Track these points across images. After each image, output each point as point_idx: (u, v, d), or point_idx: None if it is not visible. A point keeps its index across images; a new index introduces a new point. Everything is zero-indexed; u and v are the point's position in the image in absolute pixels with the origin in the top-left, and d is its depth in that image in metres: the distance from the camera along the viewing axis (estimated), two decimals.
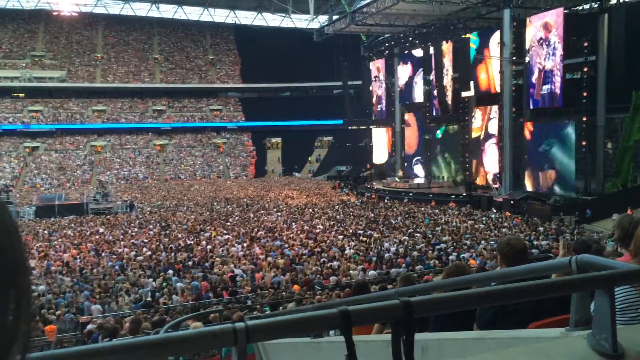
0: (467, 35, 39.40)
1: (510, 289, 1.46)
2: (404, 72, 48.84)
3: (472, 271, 4.20)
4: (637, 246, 2.30)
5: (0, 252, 0.51)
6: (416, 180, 44.94)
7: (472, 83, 39.30)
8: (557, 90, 31.68)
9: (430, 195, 38.23)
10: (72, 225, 31.83)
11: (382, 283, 12.59)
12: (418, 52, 45.98)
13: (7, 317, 0.50)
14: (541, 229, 24.17)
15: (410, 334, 1.24)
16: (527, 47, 33.77)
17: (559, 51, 31.42)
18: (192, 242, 23.62)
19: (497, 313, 2.63)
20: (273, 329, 1.16)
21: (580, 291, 1.57)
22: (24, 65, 66.71)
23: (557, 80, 31.57)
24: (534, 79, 33.59)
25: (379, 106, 53.49)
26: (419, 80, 46.46)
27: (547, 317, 2.26)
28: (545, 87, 32.55)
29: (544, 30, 32.25)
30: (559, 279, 1.70)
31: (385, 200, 38.64)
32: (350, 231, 24.93)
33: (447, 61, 41.27)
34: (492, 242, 18.94)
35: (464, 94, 40.30)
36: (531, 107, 34.39)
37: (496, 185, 35.83)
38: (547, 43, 32.27)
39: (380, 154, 53.26)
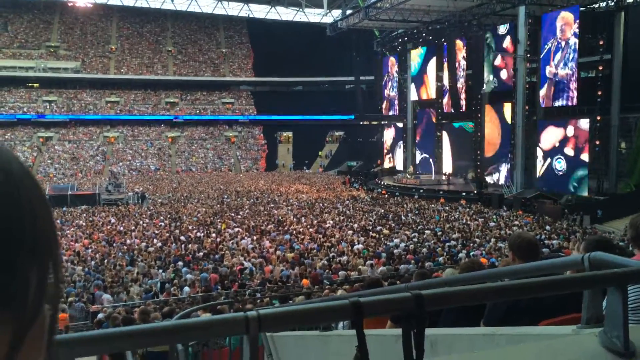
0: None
1: (522, 284, 1.45)
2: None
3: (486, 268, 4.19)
4: None
5: (23, 223, 0.49)
6: (433, 177, 44.77)
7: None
8: (573, 102, 31.49)
9: (441, 192, 38.11)
10: (84, 215, 32.09)
11: (391, 279, 12.58)
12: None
13: (28, 293, 0.49)
14: (548, 227, 24.06)
15: (421, 327, 1.24)
16: (542, 48, 33.54)
17: (575, 56, 31.11)
18: (202, 234, 23.73)
19: (507, 310, 2.62)
20: (285, 318, 1.16)
21: (592, 288, 1.57)
22: (38, 55, 67.17)
23: (573, 88, 31.29)
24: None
25: (391, 111, 53.19)
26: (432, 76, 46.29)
27: (558, 314, 2.26)
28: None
29: (561, 32, 31.90)
30: (571, 275, 1.70)
31: (396, 197, 38.57)
32: (359, 226, 24.91)
33: (461, 58, 41.07)
34: (500, 244, 18.78)
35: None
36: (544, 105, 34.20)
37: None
38: (561, 47, 31.96)
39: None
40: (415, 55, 48.56)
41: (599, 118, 31.32)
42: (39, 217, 0.51)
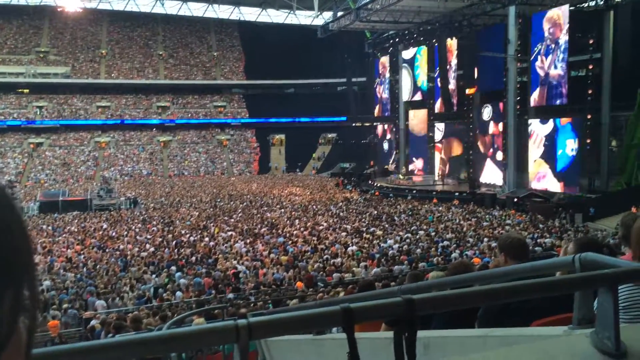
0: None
1: (513, 286, 1.46)
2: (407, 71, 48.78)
3: (476, 269, 4.21)
4: (635, 248, 2.30)
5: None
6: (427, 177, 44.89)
7: None
8: (564, 101, 31.74)
9: (434, 193, 38.19)
10: (76, 221, 31.92)
11: (385, 280, 12.59)
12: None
13: (2, 312, 0.50)
14: (541, 226, 24.18)
15: (413, 332, 1.23)
16: (532, 48, 33.69)
17: (566, 56, 31.29)
18: (195, 238, 23.66)
19: (500, 311, 2.63)
20: (275, 326, 1.16)
21: (583, 289, 1.57)
22: (28, 61, 66.85)
23: (564, 88, 31.49)
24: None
25: (385, 113, 53.15)
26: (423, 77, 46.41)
27: (551, 314, 2.26)
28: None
29: (552, 32, 32.04)
30: (562, 277, 1.70)
31: (389, 198, 38.62)
32: (353, 228, 24.90)
33: (452, 58, 41.20)
34: (493, 244, 18.83)
35: (469, 90, 40.27)
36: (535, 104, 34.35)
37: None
38: (552, 48, 32.10)
39: None
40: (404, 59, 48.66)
41: (589, 116, 31.50)
42: (15, 238, 0.52)
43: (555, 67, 32.02)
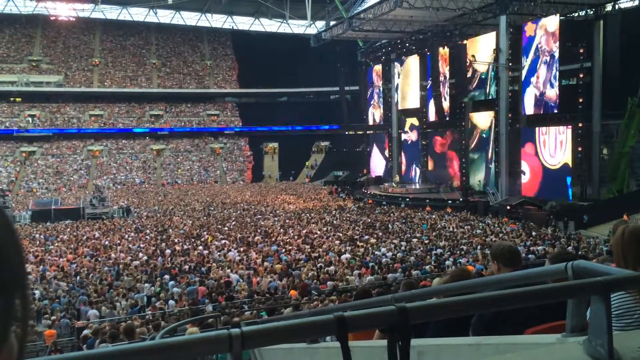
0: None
1: (506, 294, 1.46)
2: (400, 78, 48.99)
3: (474, 277, 4.21)
4: (618, 257, 2.32)
5: None
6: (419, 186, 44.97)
7: None
8: (555, 110, 31.94)
9: (427, 201, 38.24)
10: (68, 229, 31.71)
11: (379, 288, 12.57)
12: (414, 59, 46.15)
13: None
14: (534, 233, 24.25)
15: (406, 340, 1.23)
16: (523, 60, 33.93)
17: (556, 65, 31.55)
18: (189, 246, 23.56)
19: (493, 319, 2.63)
20: (268, 335, 1.15)
21: (576, 297, 1.57)
22: (21, 69, 66.61)
23: (555, 97, 31.72)
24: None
25: (382, 121, 53.29)
26: (415, 85, 46.58)
27: (543, 322, 2.27)
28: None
29: (542, 41, 32.28)
30: (554, 284, 1.71)
31: (382, 206, 38.63)
32: (347, 236, 24.87)
33: (444, 67, 41.42)
34: (487, 251, 18.87)
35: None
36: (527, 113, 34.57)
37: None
38: (542, 57, 32.34)
39: None
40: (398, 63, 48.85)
41: (580, 125, 31.72)
42: (7, 250, 0.53)
43: (546, 77, 32.24)
